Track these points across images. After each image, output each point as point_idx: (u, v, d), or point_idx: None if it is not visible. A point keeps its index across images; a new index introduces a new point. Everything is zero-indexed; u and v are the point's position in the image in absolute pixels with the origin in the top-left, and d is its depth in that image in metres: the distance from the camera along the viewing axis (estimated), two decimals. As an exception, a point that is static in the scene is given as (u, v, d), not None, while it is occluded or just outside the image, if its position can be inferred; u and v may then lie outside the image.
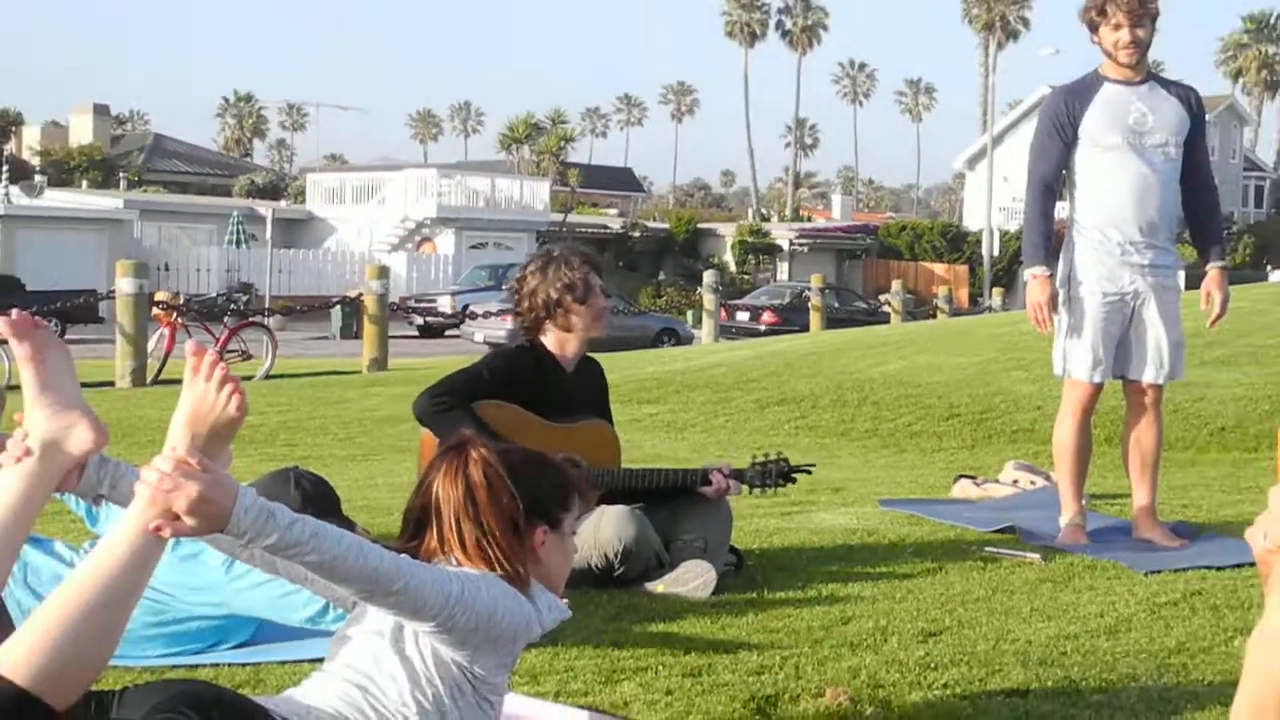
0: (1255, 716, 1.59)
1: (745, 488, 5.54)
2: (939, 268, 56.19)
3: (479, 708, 2.85)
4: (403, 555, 2.71)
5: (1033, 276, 6.22)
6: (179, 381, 2.50)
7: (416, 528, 2.97)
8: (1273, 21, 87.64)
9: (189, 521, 2.40)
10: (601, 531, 5.12)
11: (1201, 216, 6.44)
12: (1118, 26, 6.10)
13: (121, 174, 59.13)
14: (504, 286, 36.41)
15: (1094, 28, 6.20)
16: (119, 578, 2.43)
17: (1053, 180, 6.29)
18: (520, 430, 5.12)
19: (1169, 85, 6.33)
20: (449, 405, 5.13)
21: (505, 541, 2.89)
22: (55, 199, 44.27)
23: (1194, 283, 6.56)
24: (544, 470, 3.05)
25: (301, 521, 2.49)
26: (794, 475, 5.59)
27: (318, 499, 4.40)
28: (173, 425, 2.46)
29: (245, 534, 2.43)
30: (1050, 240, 6.27)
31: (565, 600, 3.06)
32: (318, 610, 4.19)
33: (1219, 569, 5.61)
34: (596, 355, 5.81)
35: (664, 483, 5.41)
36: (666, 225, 58.91)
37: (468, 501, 2.89)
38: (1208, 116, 6.50)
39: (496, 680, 2.89)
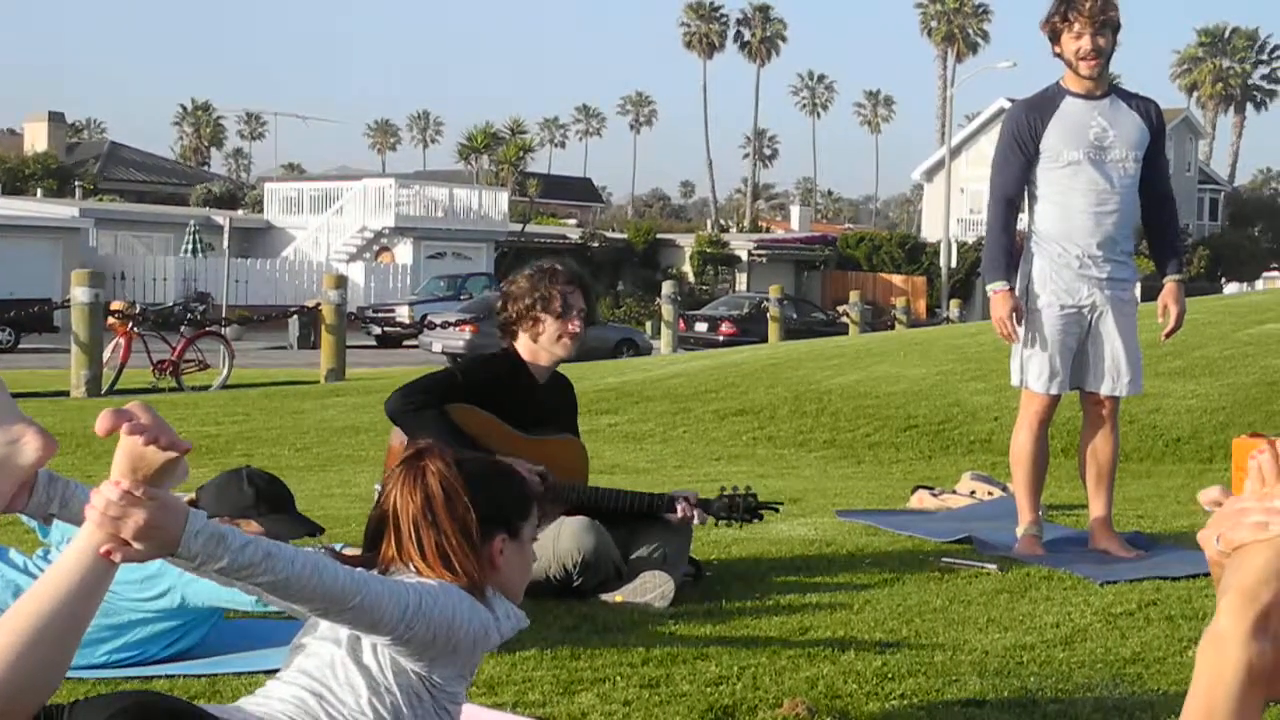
0: (1206, 717, 1.60)
1: (711, 519, 5.55)
2: (897, 279, 56.41)
3: (437, 715, 2.84)
4: (358, 570, 2.69)
5: (994, 292, 6.25)
6: (135, 391, 2.47)
7: (375, 538, 2.97)
8: (1227, 35, 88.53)
9: (138, 546, 2.37)
10: (560, 542, 5.12)
11: (1159, 229, 6.49)
12: (1079, 35, 6.13)
13: (77, 182, 58.73)
14: (462, 296, 36.48)
15: (1055, 37, 6.21)
16: (69, 599, 2.40)
17: (1014, 194, 6.31)
18: (492, 437, 5.12)
19: (1130, 99, 6.36)
20: (421, 405, 5.12)
21: (463, 551, 2.88)
22: (9, 207, 43.94)
23: (1151, 294, 6.62)
24: (502, 479, 3.05)
25: (254, 544, 2.46)
26: (761, 512, 5.61)
27: (270, 497, 4.39)
28: (115, 463, 2.41)
29: (196, 558, 2.41)
30: (1011, 255, 6.30)
31: (523, 610, 3.06)
32: None
33: (1174, 579, 5.64)
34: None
35: (630, 506, 5.42)
36: (625, 236, 58.95)
37: (425, 511, 2.89)
38: (1162, 130, 6.55)
39: (455, 689, 2.88)
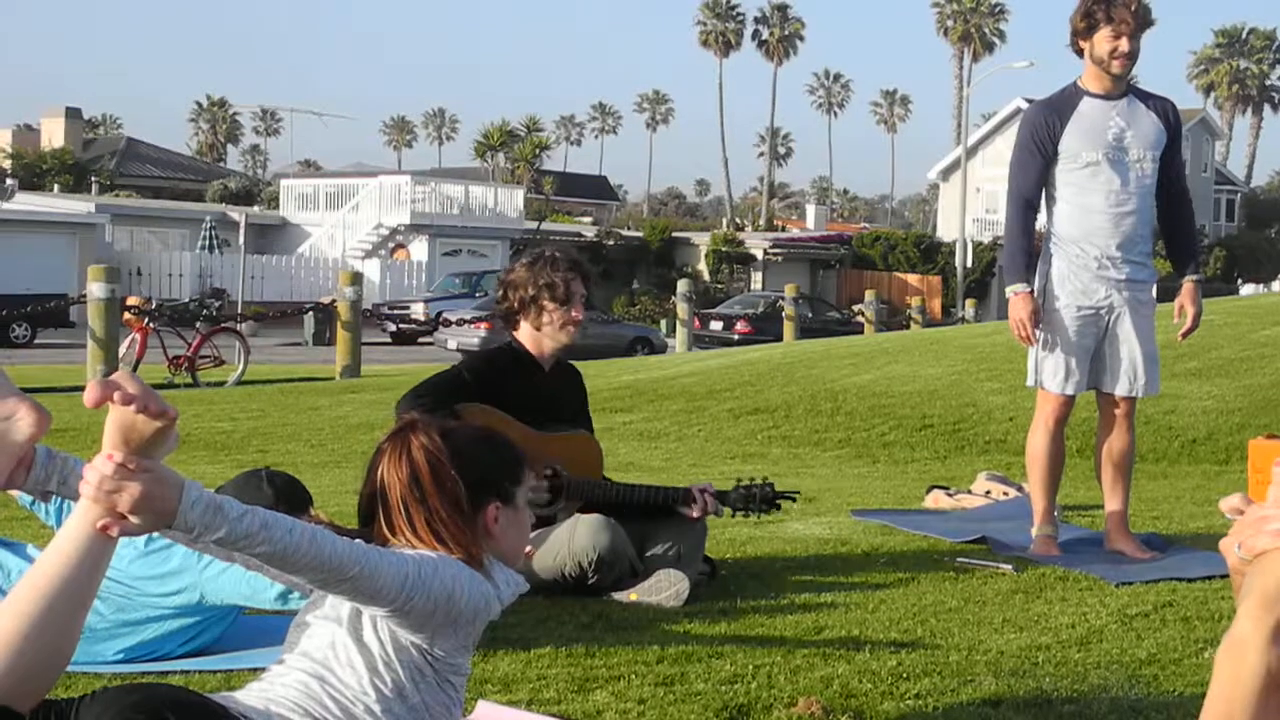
0: None
1: (727, 510, 5.54)
2: (912, 278, 56.33)
3: (440, 689, 2.84)
4: (357, 540, 2.68)
5: (1014, 294, 6.23)
6: (151, 387, 2.45)
7: (368, 515, 2.96)
8: (1244, 36, 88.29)
9: (135, 520, 2.36)
10: (576, 540, 5.12)
11: (1176, 229, 6.46)
12: (1118, 35, 6.08)
13: (93, 178, 58.89)
14: (477, 294, 36.50)
15: (1089, 31, 6.14)
16: (70, 578, 2.39)
17: (1033, 196, 6.28)
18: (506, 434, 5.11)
19: (1147, 98, 6.34)
20: (431, 407, 5.12)
21: (454, 523, 2.87)
22: (26, 202, 44.06)
23: (1167, 295, 6.60)
24: (491, 446, 3.03)
25: (251, 513, 2.45)
26: (778, 501, 5.60)
27: (289, 497, 4.39)
28: (105, 436, 2.40)
29: (194, 529, 2.39)
30: (1031, 256, 6.28)
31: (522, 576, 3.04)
32: (285, 587, 4.17)
33: (1190, 581, 5.63)
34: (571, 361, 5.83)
35: (646, 499, 5.42)
36: (641, 234, 58.93)
37: (413, 486, 2.87)
38: (1179, 130, 6.53)
39: (458, 661, 2.87)
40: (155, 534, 4.16)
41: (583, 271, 5.50)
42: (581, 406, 5.66)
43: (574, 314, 5.40)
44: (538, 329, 5.42)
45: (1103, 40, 6.12)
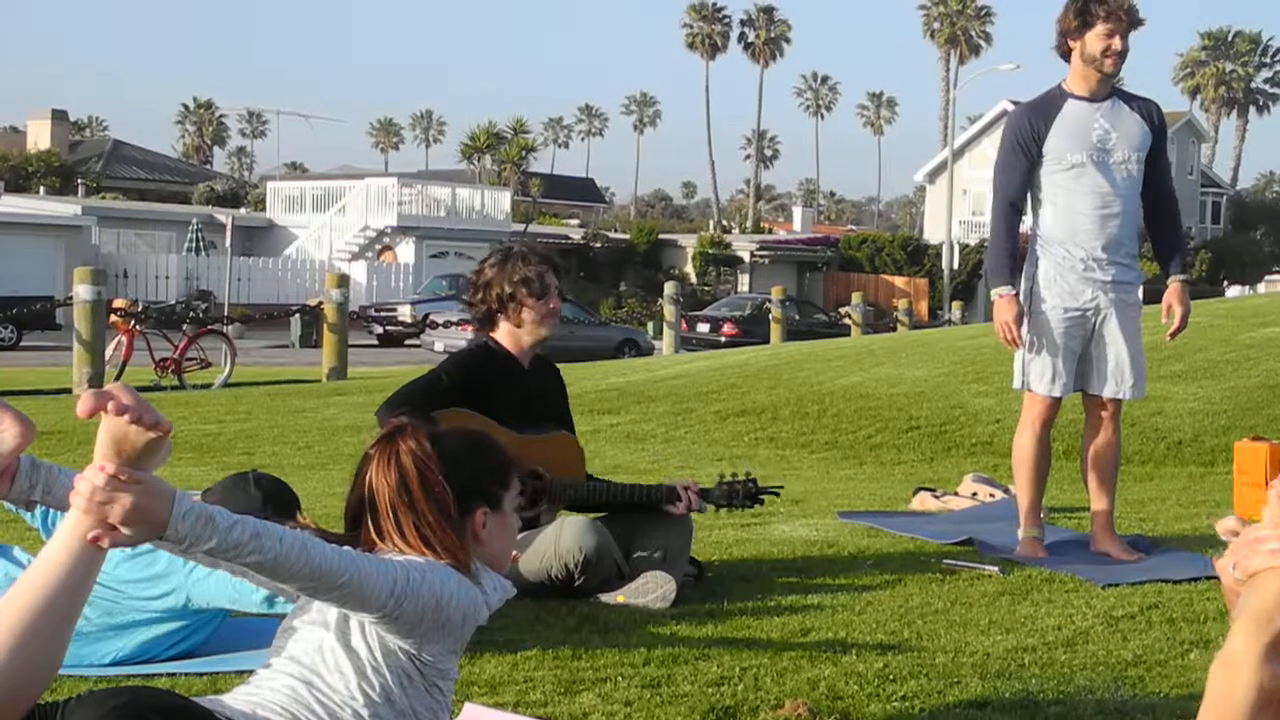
0: None
1: (711, 507, 5.54)
2: (899, 280, 56.41)
3: (428, 693, 2.84)
4: (345, 548, 2.68)
5: (999, 296, 6.24)
6: (137, 389, 2.44)
7: (355, 520, 2.96)
8: (1230, 39, 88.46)
9: (125, 531, 2.35)
10: (562, 541, 5.12)
11: (1163, 230, 6.48)
12: (1111, 34, 6.10)
13: (80, 180, 58.74)
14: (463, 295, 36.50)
15: (1082, 29, 6.15)
16: (61, 588, 2.39)
17: (1017, 198, 6.30)
18: None
19: (1131, 100, 6.35)
20: (410, 412, 5.10)
21: (442, 528, 2.88)
22: (12, 204, 43.93)
23: (1153, 297, 6.60)
24: (479, 451, 3.04)
25: (241, 523, 2.45)
26: (762, 496, 5.60)
27: (277, 500, 4.39)
28: (98, 447, 2.39)
29: (184, 540, 2.39)
30: (1016, 259, 6.29)
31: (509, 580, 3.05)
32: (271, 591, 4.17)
33: (1175, 583, 5.64)
34: (556, 364, 5.82)
35: (629, 498, 5.42)
36: (628, 236, 58.94)
37: (401, 491, 2.88)
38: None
39: (445, 665, 2.88)
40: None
41: (553, 264, 5.52)
42: (562, 402, 5.65)
43: (552, 305, 5.41)
44: (518, 325, 5.41)
45: (1096, 38, 6.12)
